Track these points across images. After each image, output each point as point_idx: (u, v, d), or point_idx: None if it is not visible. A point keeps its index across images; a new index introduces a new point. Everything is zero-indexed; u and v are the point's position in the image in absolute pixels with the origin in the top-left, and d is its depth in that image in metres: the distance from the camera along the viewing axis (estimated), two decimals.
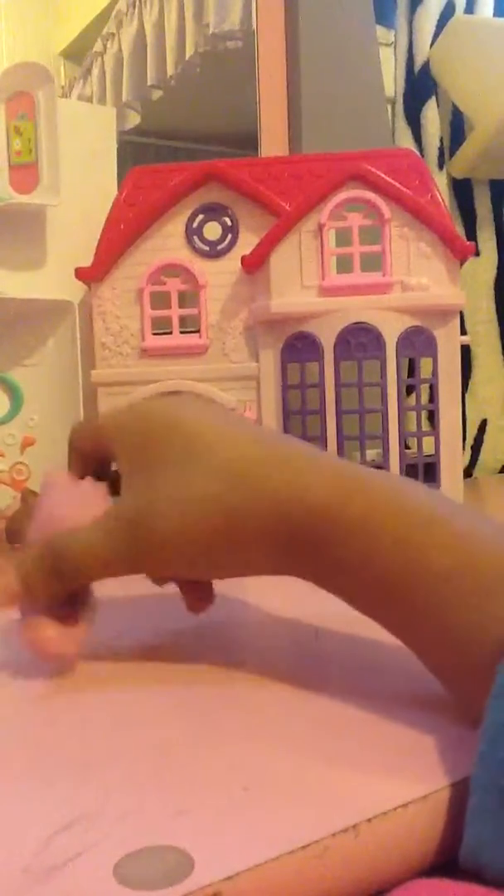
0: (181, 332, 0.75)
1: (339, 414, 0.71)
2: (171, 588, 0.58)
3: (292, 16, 0.97)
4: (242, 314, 0.74)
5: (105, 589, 0.60)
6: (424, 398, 0.75)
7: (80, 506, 0.39)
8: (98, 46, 1.25)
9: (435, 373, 0.73)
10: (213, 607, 0.53)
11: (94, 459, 0.43)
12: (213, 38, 1.07)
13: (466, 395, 1.11)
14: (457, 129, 1.13)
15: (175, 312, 0.75)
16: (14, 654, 0.40)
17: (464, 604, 0.30)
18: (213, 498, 0.35)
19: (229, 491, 0.35)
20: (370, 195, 0.71)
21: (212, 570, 0.38)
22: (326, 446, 0.71)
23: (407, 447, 0.74)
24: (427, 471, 0.73)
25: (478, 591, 0.30)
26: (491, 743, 0.26)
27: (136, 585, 0.60)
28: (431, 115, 1.09)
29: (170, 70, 1.15)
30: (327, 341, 0.70)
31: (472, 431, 1.13)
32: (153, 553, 0.36)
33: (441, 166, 1.09)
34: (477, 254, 1.11)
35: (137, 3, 1.19)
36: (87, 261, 0.75)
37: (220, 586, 0.58)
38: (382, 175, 0.71)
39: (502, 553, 0.31)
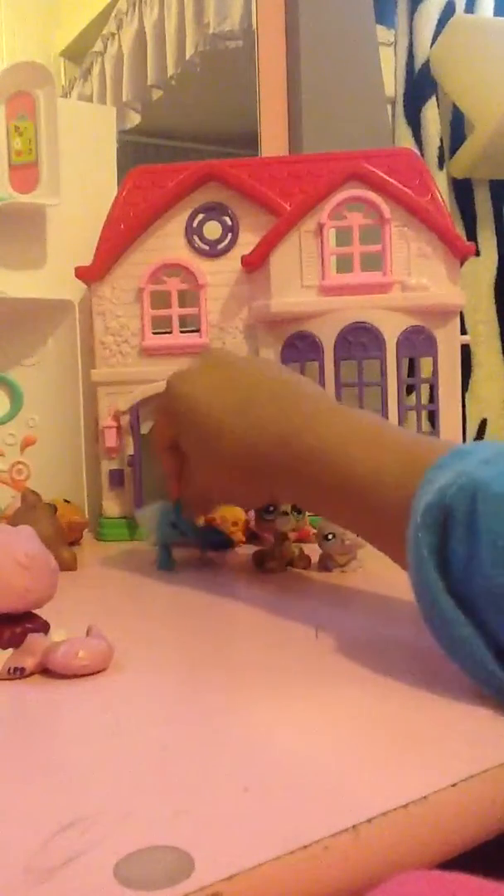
0: (181, 332, 0.75)
1: None
2: (171, 591, 0.58)
3: (292, 16, 0.97)
4: (242, 313, 0.74)
5: (106, 591, 0.60)
6: (424, 398, 0.75)
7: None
8: (98, 46, 1.25)
9: (435, 372, 0.73)
10: (213, 608, 0.53)
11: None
12: (213, 38, 1.07)
13: (466, 395, 1.11)
14: (457, 129, 1.13)
15: (175, 312, 0.75)
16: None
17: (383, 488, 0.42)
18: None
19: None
20: (370, 195, 0.71)
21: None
22: None
23: None
24: None
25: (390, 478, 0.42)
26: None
27: (137, 589, 0.60)
28: (431, 115, 1.09)
29: (170, 70, 1.15)
30: (327, 341, 0.70)
31: (472, 431, 1.13)
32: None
33: (441, 166, 1.09)
34: (477, 254, 1.11)
35: (137, 3, 1.19)
36: (86, 260, 0.75)
37: (221, 587, 0.58)
38: (382, 175, 0.71)
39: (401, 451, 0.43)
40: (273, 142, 0.97)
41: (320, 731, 0.33)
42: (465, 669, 0.35)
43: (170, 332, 0.75)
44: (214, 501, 0.62)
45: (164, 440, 0.59)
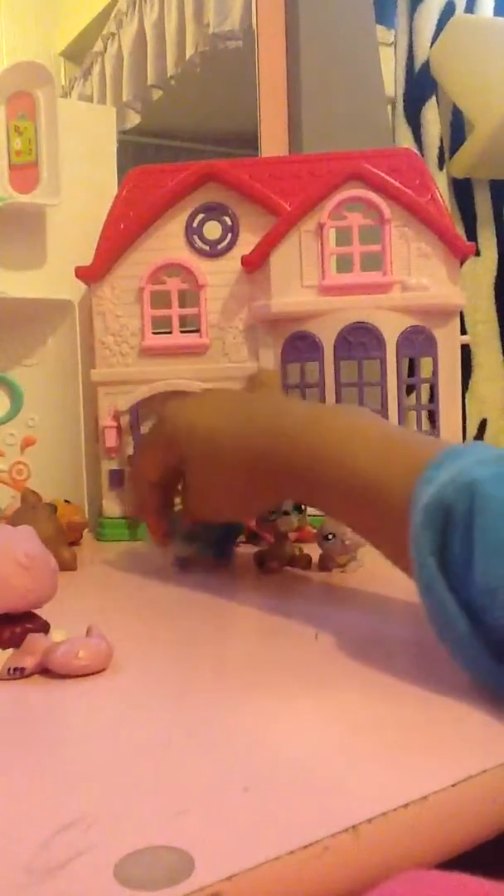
0: (181, 332, 0.75)
1: None
2: (171, 591, 0.58)
3: (292, 16, 0.97)
4: (242, 313, 0.74)
5: (106, 591, 0.60)
6: (424, 398, 0.75)
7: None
8: (98, 46, 1.25)
9: (435, 372, 0.73)
10: (213, 608, 0.53)
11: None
12: (213, 38, 1.07)
13: (466, 395, 1.12)
14: (457, 129, 1.13)
15: (175, 312, 0.75)
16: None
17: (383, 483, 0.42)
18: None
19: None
20: (370, 195, 0.71)
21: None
22: None
23: None
24: None
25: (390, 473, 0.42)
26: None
27: (137, 589, 0.60)
28: (431, 115, 1.09)
29: (170, 70, 1.15)
30: (327, 341, 0.70)
31: (472, 431, 1.13)
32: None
33: (441, 166, 1.09)
34: (477, 254, 1.11)
35: (137, 3, 1.19)
36: (87, 260, 0.75)
37: (221, 588, 0.58)
38: (382, 175, 0.71)
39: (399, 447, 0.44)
40: (273, 142, 0.97)
41: (320, 731, 0.33)
42: (466, 668, 0.35)
43: (170, 332, 0.75)
44: (219, 516, 0.60)
45: (153, 474, 0.58)
